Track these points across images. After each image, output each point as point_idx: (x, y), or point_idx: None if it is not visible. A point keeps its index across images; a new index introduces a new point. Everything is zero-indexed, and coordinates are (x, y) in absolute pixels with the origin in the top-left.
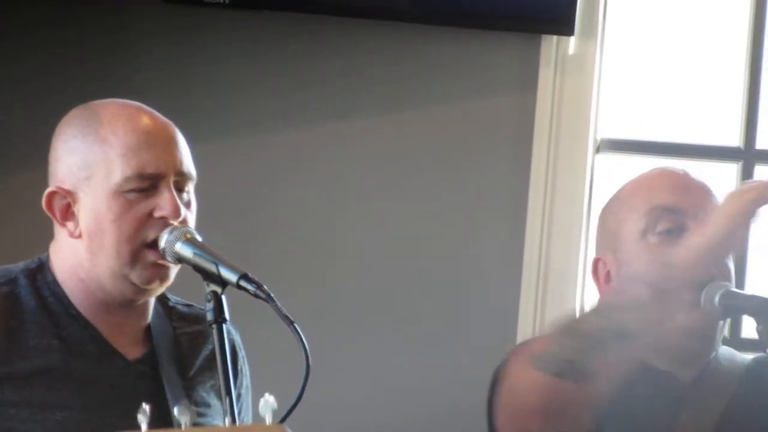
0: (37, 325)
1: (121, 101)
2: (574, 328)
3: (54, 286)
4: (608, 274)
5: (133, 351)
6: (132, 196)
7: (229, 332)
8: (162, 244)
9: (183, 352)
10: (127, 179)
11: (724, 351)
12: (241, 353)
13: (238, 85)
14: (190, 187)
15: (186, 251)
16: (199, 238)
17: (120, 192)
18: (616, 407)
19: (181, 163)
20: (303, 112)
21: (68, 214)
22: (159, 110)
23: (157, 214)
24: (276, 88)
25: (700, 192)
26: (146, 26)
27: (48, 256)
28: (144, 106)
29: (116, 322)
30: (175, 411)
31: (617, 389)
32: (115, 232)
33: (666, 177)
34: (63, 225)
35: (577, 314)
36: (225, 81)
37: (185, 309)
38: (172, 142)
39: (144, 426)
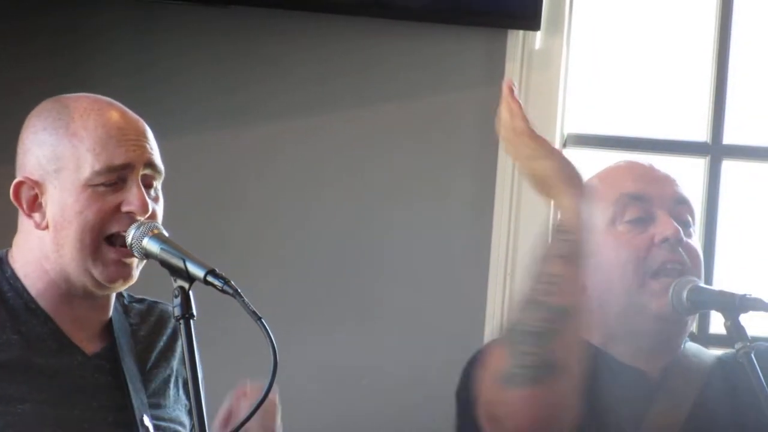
0: None
1: (92, 96)
2: (518, 329)
3: (13, 280)
4: None
5: (91, 345)
6: (100, 189)
7: (164, 311)
8: (129, 239)
9: (140, 347)
10: (96, 173)
11: (692, 347)
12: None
13: (207, 79)
14: (158, 183)
15: (153, 247)
16: (166, 234)
17: (89, 185)
18: (584, 403)
19: (150, 156)
20: (272, 106)
21: (35, 205)
22: (128, 104)
23: (125, 208)
24: (245, 82)
25: (665, 181)
26: (116, 20)
27: (7, 252)
28: (115, 102)
29: (77, 315)
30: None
31: (584, 382)
32: (80, 223)
33: (632, 167)
34: (29, 216)
35: (515, 313)
36: (195, 75)
37: (139, 305)
38: (141, 137)
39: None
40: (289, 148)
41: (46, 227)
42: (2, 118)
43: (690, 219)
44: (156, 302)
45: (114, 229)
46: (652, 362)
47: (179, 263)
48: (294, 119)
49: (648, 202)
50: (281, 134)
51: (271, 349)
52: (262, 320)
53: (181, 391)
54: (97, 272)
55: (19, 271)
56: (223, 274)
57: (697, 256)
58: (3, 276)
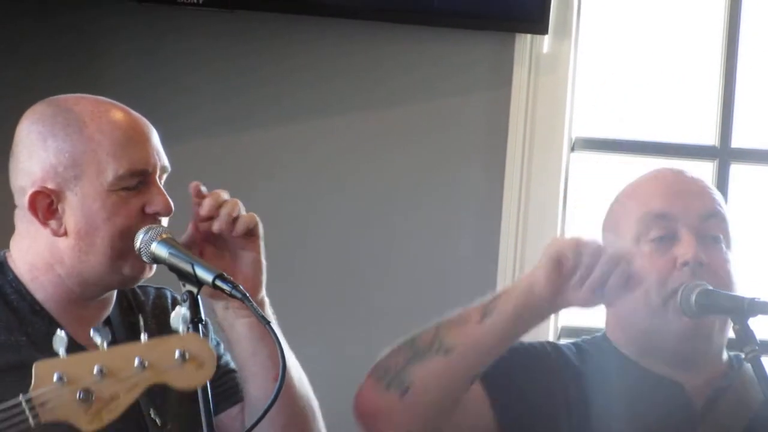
0: (4, 322)
1: (89, 96)
2: (409, 343)
3: (15, 283)
4: None
5: (93, 345)
6: (124, 193)
7: (160, 297)
8: (138, 244)
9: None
10: (119, 177)
11: (747, 370)
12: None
13: (212, 83)
14: (164, 179)
15: (161, 251)
16: (175, 239)
17: (112, 190)
18: (623, 415)
19: (162, 157)
20: (278, 110)
21: (50, 212)
22: (132, 108)
23: (150, 210)
24: (251, 86)
25: (693, 194)
26: (121, 24)
27: (5, 254)
28: (114, 101)
29: (81, 315)
30: (92, 332)
31: (621, 397)
32: (109, 230)
33: (659, 180)
34: (45, 224)
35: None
36: (199, 79)
37: (131, 295)
38: (152, 137)
39: (62, 351)
40: (294, 151)
41: (65, 233)
42: (5, 118)
43: (720, 234)
44: (158, 289)
45: None
46: (688, 377)
47: (188, 268)
48: (300, 123)
49: (672, 219)
50: (287, 138)
51: (279, 353)
52: (271, 324)
53: None
54: (127, 267)
55: (23, 275)
56: (231, 278)
57: (723, 275)
58: (5, 279)
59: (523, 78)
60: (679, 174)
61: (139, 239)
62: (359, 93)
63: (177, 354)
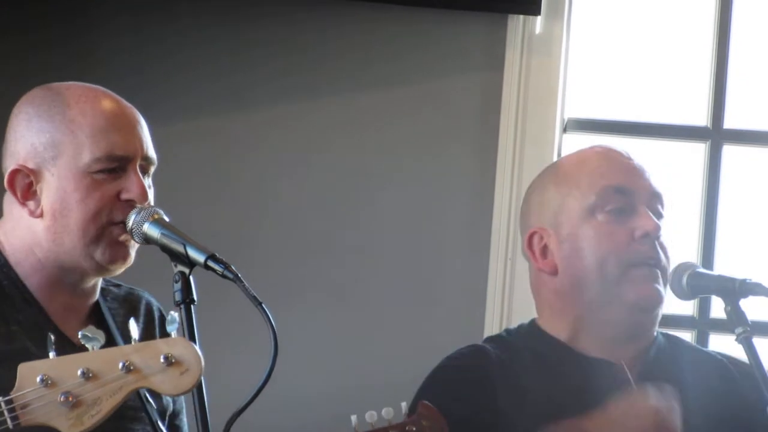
0: None
1: (84, 84)
2: None
3: (7, 269)
4: (545, 247)
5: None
6: (99, 176)
7: (150, 302)
8: (130, 224)
9: (120, 328)
10: (96, 160)
11: (665, 339)
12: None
13: (206, 63)
14: (151, 172)
15: (153, 232)
16: (167, 219)
17: (88, 172)
18: (558, 399)
19: (146, 147)
20: (269, 91)
21: (29, 193)
22: (123, 91)
23: (125, 196)
24: (244, 66)
25: (643, 173)
26: (113, 8)
27: None
28: (107, 90)
29: (67, 302)
30: (80, 335)
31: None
32: (81, 211)
33: (611, 156)
34: (23, 204)
35: None
36: (192, 60)
37: (116, 290)
38: (138, 126)
39: (52, 354)
40: (285, 132)
41: (41, 215)
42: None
43: (662, 211)
44: (132, 288)
45: (117, 218)
46: (619, 353)
47: (180, 248)
48: (291, 103)
49: (629, 194)
50: (277, 119)
51: (271, 334)
52: (263, 305)
53: None
54: (99, 254)
55: (10, 258)
56: (223, 258)
57: (668, 253)
58: None
59: (516, 59)
60: (625, 153)
61: (131, 219)
62: (351, 74)
63: (162, 358)
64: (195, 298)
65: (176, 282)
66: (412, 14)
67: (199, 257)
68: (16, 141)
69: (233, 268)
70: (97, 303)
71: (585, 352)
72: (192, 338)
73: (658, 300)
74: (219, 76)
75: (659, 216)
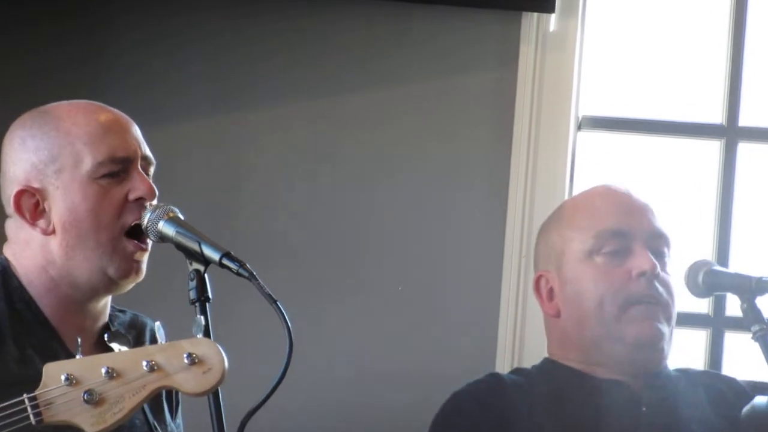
0: (13, 331)
1: (68, 101)
2: None
3: (21, 291)
4: (551, 290)
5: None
6: (105, 182)
7: (144, 324)
8: (145, 222)
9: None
10: (99, 164)
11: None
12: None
13: (218, 62)
14: (152, 172)
15: (169, 230)
16: (182, 217)
17: (93, 179)
18: (575, 421)
19: (144, 147)
20: (282, 89)
21: (37, 212)
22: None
23: (133, 196)
24: (256, 66)
25: (644, 213)
26: (120, 7)
27: (7, 260)
28: (92, 101)
29: (78, 324)
30: (106, 336)
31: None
32: (93, 221)
33: (610, 198)
34: (33, 224)
35: None
36: (203, 58)
37: (122, 316)
38: (132, 127)
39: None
40: (300, 130)
41: (53, 232)
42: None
43: (666, 250)
44: (136, 314)
45: (129, 220)
46: (634, 380)
47: (195, 246)
48: (306, 101)
49: (626, 236)
50: (292, 116)
51: (286, 332)
52: (278, 303)
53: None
54: (112, 268)
55: (22, 279)
56: (239, 257)
57: (672, 288)
58: (11, 286)
59: (530, 57)
60: (626, 191)
61: (146, 218)
62: (365, 72)
63: (185, 357)
64: (210, 296)
65: (191, 280)
66: (427, 11)
67: (214, 255)
68: (14, 165)
69: (248, 266)
70: (106, 327)
71: (600, 376)
72: (207, 336)
73: (658, 336)
74: (232, 77)
75: (661, 255)
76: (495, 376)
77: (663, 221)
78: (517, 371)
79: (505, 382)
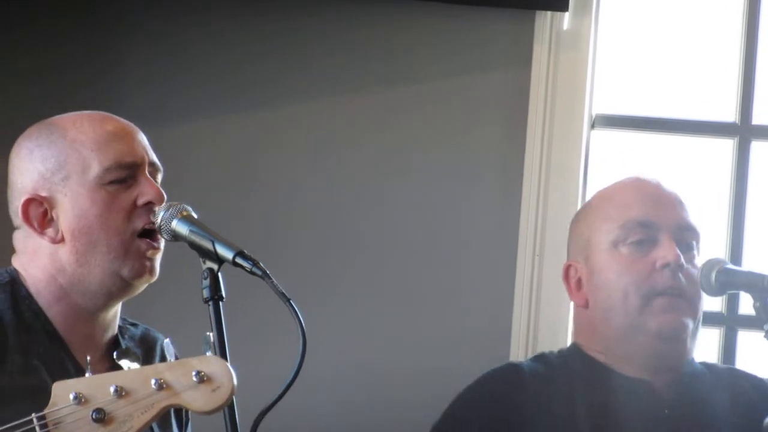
0: (20, 342)
1: (73, 112)
2: None
3: (29, 301)
4: (579, 280)
5: (98, 369)
6: (113, 188)
7: (156, 339)
8: (158, 221)
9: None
10: (106, 170)
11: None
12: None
13: (231, 63)
14: (159, 179)
15: (182, 228)
16: (195, 216)
17: (101, 185)
18: (596, 416)
19: (151, 153)
20: (294, 88)
21: (45, 221)
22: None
23: (141, 200)
24: (270, 65)
25: (672, 204)
26: (129, 6)
27: (16, 270)
28: (96, 111)
29: (87, 334)
30: (115, 354)
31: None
32: (103, 226)
33: (639, 188)
34: (42, 233)
35: None
36: (215, 59)
37: (134, 329)
38: (138, 134)
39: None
40: (311, 128)
41: (62, 240)
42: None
43: (694, 243)
44: (148, 328)
45: (139, 225)
46: (657, 377)
47: (208, 245)
48: (318, 100)
49: (652, 227)
50: (303, 115)
51: (299, 330)
52: (291, 301)
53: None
54: (126, 269)
55: (31, 288)
56: (252, 255)
57: (696, 281)
58: (19, 296)
59: (544, 55)
60: (657, 182)
61: (160, 216)
62: (379, 71)
63: (194, 375)
64: (223, 294)
65: (204, 279)
66: (440, 11)
67: (227, 254)
68: (22, 176)
69: (262, 264)
70: (115, 339)
71: (620, 371)
72: (220, 335)
73: (681, 329)
74: (246, 75)
75: (688, 248)
76: (513, 366)
77: (693, 214)
78: (538, 358)
79: (524, 373)
